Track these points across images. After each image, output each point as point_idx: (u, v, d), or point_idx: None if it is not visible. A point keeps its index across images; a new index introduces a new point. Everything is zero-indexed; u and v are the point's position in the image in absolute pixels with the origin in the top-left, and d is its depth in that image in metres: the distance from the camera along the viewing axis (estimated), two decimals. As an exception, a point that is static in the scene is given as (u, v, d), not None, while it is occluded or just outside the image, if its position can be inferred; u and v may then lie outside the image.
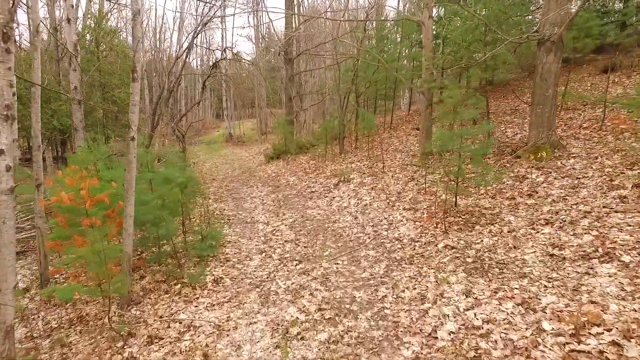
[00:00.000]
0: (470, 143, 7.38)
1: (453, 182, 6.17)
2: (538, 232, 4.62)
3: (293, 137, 15.38)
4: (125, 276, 4.39)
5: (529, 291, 3.46)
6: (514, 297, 3.41)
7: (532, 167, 6.54)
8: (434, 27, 10.69)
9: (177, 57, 11.22)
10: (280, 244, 6.27)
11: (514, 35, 6.82)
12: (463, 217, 5.61)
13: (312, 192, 9.14)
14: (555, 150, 6.75)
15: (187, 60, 12.03)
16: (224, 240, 6.60)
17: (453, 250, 4.73)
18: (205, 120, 37.97)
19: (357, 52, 10.97)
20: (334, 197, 8.35)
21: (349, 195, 8.19)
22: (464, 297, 3.66)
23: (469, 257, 4.47)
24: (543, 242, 4.33)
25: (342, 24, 13.84)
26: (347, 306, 3.99)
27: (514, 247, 4.38)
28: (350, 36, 14.64)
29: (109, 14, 22.90)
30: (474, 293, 3.68)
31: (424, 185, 7.44)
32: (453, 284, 3.96)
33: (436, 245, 4.99)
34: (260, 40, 29.93)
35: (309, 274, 4.92)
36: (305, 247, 5.97)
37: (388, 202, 7.16)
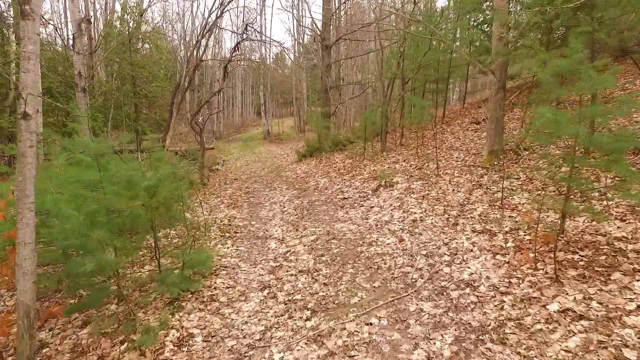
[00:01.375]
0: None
1: (557, 193, 3.95)
2: None
3: (329, 132, 13.44)
4: (21, 341, 2.66)
5: None
6: None
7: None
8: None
9: (197, 41, 9.70)
10: (292, 275, 4.35)
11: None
12: (581, 252, 3.38)
13: (344, 198, 7.14)
14: None
15: (207, 45, 10.49)
16: (217, 264, 4.79)
17: (583, 323, 2.55)
18: (245, 118, 37.04)
19: (406, 24, 8.78)
20: (371, 207, 6.31)
21: (391, 205, 6.12)
22: None
23: (625, 345, 2.29)
24: None
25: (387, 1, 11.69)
26: None
27: None
28: (396, 14, 12.42)
29: (149, 8, 22.21)
30: None
31: (498, 195, 5.21)
32: (614, 421, 1.82)
33: (545, 307, 2.83)
34: (302, 35, 28.25)
35: (322, 343, 2.95)
36: (325, 284, 4.00)
37: (447, 219, 5.02)
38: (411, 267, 4.02)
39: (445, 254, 4.12)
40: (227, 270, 4.64)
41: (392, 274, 3.98)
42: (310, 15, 23.47)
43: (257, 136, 27.92)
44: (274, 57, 46.20)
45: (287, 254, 4.97)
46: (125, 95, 16.76)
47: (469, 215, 4.95)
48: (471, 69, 14.44)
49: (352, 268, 4.27)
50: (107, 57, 17.48)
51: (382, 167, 8.49)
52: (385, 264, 4.24)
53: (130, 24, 17.54)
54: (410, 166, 7.95)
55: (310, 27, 26.14)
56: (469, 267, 3.70)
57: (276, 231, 5.98)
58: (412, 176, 7.19)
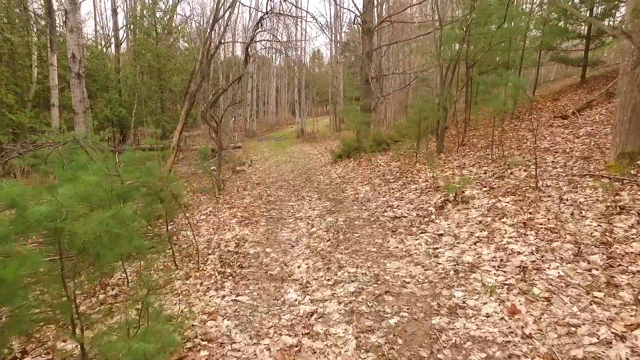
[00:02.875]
0: None
1: None
2: None
3: (369, 129, 11.37)
4: None
5: None
6: None
7: None
8: None
9: (214, 19, 7.97)
10: (317, 373, 2.36)
11: None
12: None
13: (396, 217, 5.06)
14: None
15: (227, 24, 8.74)
16: (198, 332, 2.90)
17: None
18: (280, 116, 35.56)
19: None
20: (439, 235, 4.20)
21: (472, 233, 3.99)
22: None
23: None
24: None
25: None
26: None
27: None
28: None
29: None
30: None
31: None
32: None
33: None
34: (339, 29, 26.16)
35: None
36: (381, 414, 1.98)
37: (589, 270, 2.85)
38: (560, 392, 1.92)
39: (629, 365, 1.97)
40: (210, 349, 2.72)
41: (521, 404, 1.89)
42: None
43: (291, 134, 26.28)
44: (311, 54, 44.63)
45: (311, 318, 2.99)
46: (150, 89, 15.54)
47: (630, 268, 2.75)
48: (543, 54, 11.83)
49: (431, 373, 2.22)
50: (134, 50, 16.37)
51: (444, 173, 6.32)
52: (496, 371, 2.15)
53: (158, 15, 16.32)
54: (485, 173, 5.75)
55: (350, 9, 23.93)
56: None
57: (299, 268, 4.01)
58: (492, 188, 5.00)
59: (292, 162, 13.59)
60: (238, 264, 4.26)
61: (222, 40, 8.37)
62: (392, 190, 6.29)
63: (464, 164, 6.58)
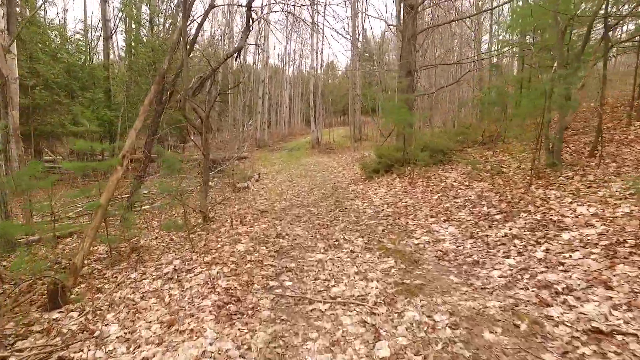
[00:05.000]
0: None
1: None
2: None
3: (413, 131, 8.33)
4: None
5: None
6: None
7: None
8: None
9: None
10: None
11: None
12: None
13: (592, 331, 1.98)
14: None
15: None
16: None
17: None
18: (293, 126, 32.75)
19: None
20: None
21: None
22: None
23: None
24: None
25: None
26: None
27: None
28: None
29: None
30: None
31: None
32: None
33: None
34: (359, 33, 23.38)
35: None
36: None
37: None
38: None
39: None
40: None
41: None
42: None
43: (305, 145, 23.39)
44: (325, 67, 41.97)
45: None
46: (141, 88, 12.83)
47: None
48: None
49: None
50: (127, 44, 13.79)
51: (608, 207, 3.22)
52: None
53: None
54: None
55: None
56: None
57: None
58: None
59: (309, 176, 10.60)
60: None
61: (215, 3, 5.54)
62: (516, 240, 3.20)
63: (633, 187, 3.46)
